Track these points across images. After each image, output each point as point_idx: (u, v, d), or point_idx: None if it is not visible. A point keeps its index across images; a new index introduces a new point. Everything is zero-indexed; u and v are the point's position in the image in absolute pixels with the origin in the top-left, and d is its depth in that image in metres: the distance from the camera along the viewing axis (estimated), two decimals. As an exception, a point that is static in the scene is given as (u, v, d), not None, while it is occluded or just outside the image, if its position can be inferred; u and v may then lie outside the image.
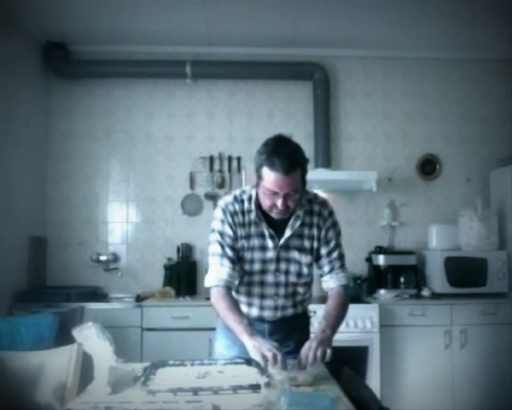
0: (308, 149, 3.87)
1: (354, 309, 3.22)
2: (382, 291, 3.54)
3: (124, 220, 3.84)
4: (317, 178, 3.55)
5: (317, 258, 1.78)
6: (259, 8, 3.25)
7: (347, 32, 3.66)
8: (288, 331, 1.75)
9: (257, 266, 1.72)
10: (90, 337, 1.36)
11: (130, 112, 3.89)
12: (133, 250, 3.82)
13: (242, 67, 3.88)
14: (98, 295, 3.62)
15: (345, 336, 3.06)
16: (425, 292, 3.53)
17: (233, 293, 1.75)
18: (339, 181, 3.65)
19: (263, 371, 1.43)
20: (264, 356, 1.43)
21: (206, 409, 1.18)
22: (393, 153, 3.96)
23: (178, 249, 3.69)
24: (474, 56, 4.00)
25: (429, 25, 3.52)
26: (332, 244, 1.77)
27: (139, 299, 3.42)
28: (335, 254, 1.77)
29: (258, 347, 1.46)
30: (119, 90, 3.89)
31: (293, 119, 3.93)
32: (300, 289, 1.78)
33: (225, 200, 1.75)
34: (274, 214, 1.65)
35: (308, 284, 1.81)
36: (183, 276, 3.61)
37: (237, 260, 1.71)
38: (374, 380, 3.14)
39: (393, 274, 3.58)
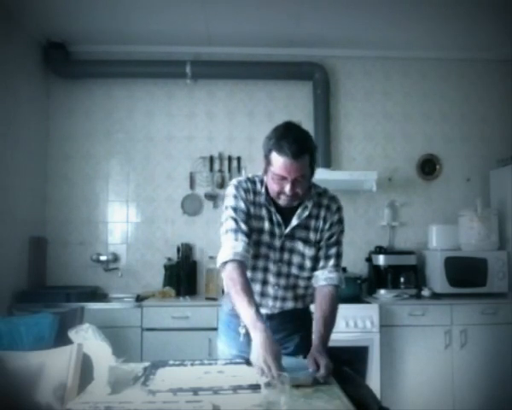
0: (308, 149, 3.88)
1: (354, 309, 3.22)
2: (382, 291, 3.54)
3: (124, 220, 3.84)
4: (317, 178, 3.48)
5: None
6: (259, 8, 3.25)
7: (347, 32, 3.66)
8: (288, 332, 1.72)
9: (263, 250, 1.68)
10: (88, 339, 1.36)
11: (130, 112, 3.89)
12: (133, 250, 3.82)
13: (242, 67, 3.88)
14: (98, 295, 3.62)
15: (345, 336, 3.08)
16: (425, 292, 3.53)
17: None
18: (339, 181, 3.64)
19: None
20: (260, 367, 1.37)
21: (206, 409, 1.18)
22: (393, 153, 3.96)
23: (178, 249, 3.69)
24: (474, 56, 3.99)
25: (429, 25, 3.51)
26: (333, 239, 1.72)
27: (139, 299, 3.42)
28: (334, 251, 1.72)
29: (259, 354, 1.38)
30: (120, 91, 3.89)
31: (293, 119, 3.88)
32: (302, 283, 1.73)
33: (238, 178, 1.74)
34: (281, 201, 1.63)
35: (311, 279, 1.74)
36: (183, 276, 3.60)
37: (250, 236, 1.64)
38: (374, 380, 3.13)
39: (393, 274, 3.57)
